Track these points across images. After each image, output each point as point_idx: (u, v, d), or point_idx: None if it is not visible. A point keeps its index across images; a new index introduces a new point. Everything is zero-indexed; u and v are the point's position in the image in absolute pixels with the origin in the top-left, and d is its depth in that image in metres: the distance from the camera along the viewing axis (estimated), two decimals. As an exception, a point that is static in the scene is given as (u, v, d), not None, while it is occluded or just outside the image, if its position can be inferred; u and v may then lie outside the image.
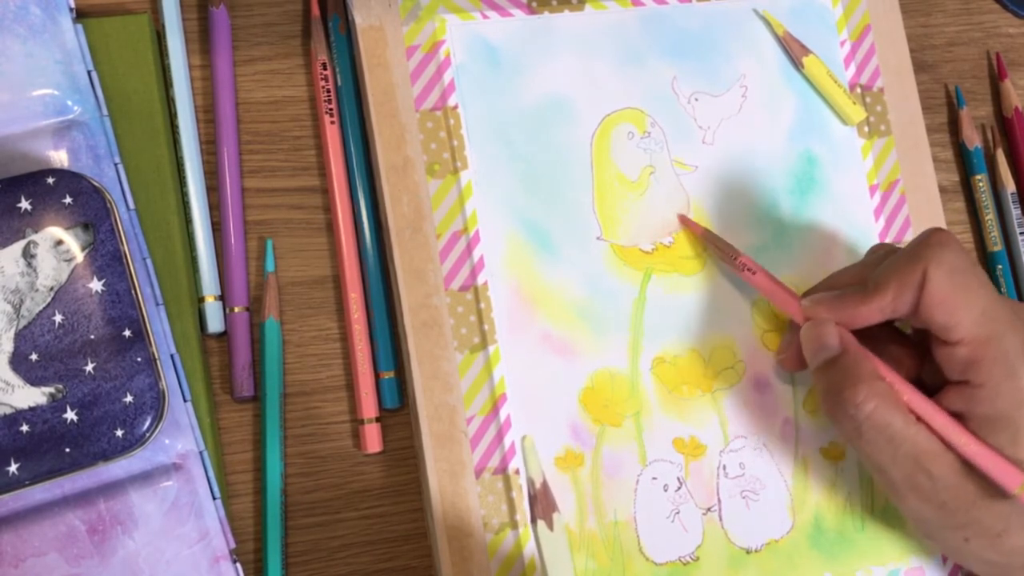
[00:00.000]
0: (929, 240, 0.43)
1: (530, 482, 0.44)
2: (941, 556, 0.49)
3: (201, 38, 0.49)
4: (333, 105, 0.48)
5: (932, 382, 0.44)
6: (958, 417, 0.42)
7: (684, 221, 0.49)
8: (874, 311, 0.43)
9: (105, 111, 0.44)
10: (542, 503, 0.44)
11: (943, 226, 0.53)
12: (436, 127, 0.47)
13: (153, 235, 0.44)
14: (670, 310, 0.48)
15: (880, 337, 0.45)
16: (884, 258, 0.45)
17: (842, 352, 0.43)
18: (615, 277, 0.48)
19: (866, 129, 0.52)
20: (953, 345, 0.42)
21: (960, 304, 0.41)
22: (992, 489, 0.41)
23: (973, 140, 0.56)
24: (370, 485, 0.47)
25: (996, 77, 0.58)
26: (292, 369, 0.47)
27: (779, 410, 0.49)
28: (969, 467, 0.41)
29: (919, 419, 0.42)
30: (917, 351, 0.46)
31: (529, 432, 0.45)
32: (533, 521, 0.44)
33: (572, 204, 0.48)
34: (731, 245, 0.48)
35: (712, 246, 0.48)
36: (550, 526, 0.44)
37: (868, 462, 0.43)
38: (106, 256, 0.40)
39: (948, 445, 0.41)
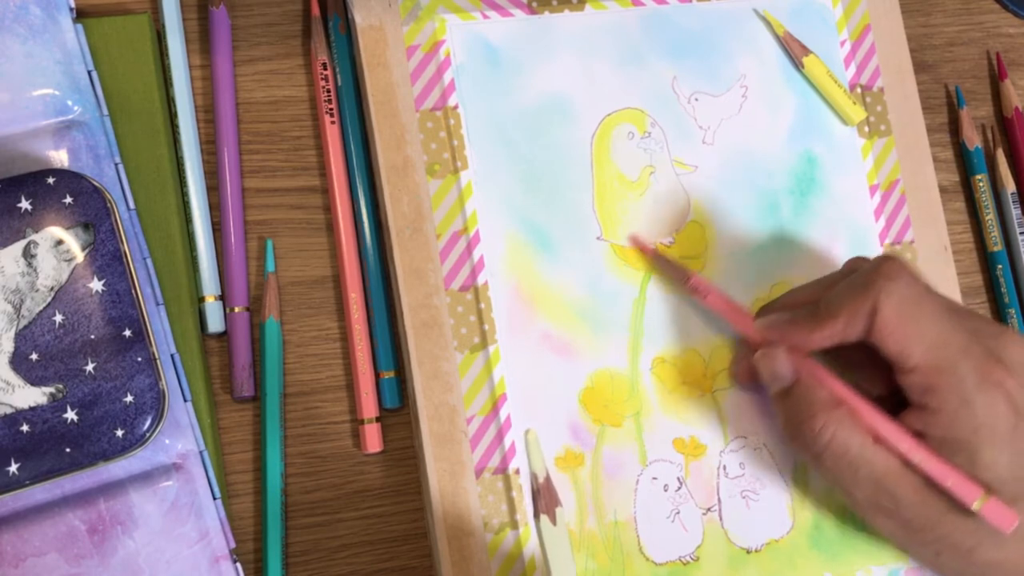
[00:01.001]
0: (880, 270, 0.42)
1: (533, 477, 0.44)
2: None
3: (201, 38, 0.49)
4: (333, 105, 0.48)
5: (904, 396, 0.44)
6: (919, 436, 0.42)
7: (635, 242, 0.48)
8: (825, 337, 0.43)
9: (105, 111, 0.44)
10: (545, 498, 0.44)
11: (943, 226, 0.53)
12: (436, 127, 0.47)
13: (153, 235, 0.44)
14: (670, 310, 0.48)
15: (852, 349, 0.45)
16: (844, 277, 0.45)
17: (796, 382, 0.44)
18: (615, 277, 0.48)
19: (866, 129, 0.52)
20: (908, 372, 0.42)
21: (911, 334, 0.42)
22: (957, 506, 0.41)
23: (973, 140, 0.56)
24: (370, 485, 0.47)
25: (996, 77, 0.58)
26: (292, 369, 0.47)
27: (779, 410, 0.49)
28: (932, 485, 0.41)
29: (879, 439, 0.42)
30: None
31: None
32: (536, 516, 0.44)
33: (572, 204, 0.48)
34: (682, 267, 0.48)
35: (661, 269, 0.48)
36: (553, 521, 0.44)
37: (832, 484, 0.44)
38: (106, 256, 0.40)
39: (909, 464, 0.42)
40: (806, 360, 0.44)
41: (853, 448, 0.42)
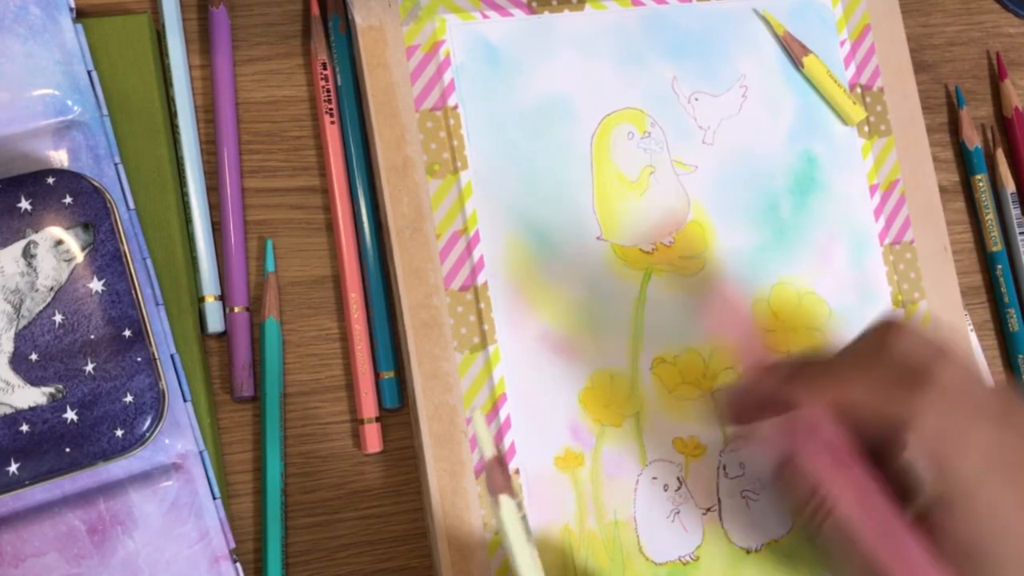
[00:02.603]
0: (924, 371, 0.35)
1: (481, 457, 0.40)
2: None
3: (201, 38, 0.49)
4: (333, 105, 0.48)
5: None
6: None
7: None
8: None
9: (105, 111, 0.44)
10: (498, 478, 0.39)
11: (943, 226, 0.52)
12: (436, 127, 0.47)
13: (153, 235, 0.44)
14: (670, 310, 0.48)
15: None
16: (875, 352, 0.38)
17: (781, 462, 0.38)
18: (615, 277, 0.48)
19: (866, 129, 0.52)
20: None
21: (952, 454, 0.35)
22: None
23: (973, 140, 0.56)
24: (370, 485, 0.47)
25: (996, 77, 0.58)
26: (292, 369, 0.47)
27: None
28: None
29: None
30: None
31: (528, 432, 0.45)
32: (493, 496, 0.39)
33: (572, 204, 0.48)
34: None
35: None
36: (498, 504, 0.39)
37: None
38: (106, 256, 0.40)
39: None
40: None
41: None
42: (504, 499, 0.38)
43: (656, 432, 0.47)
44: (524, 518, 0.38)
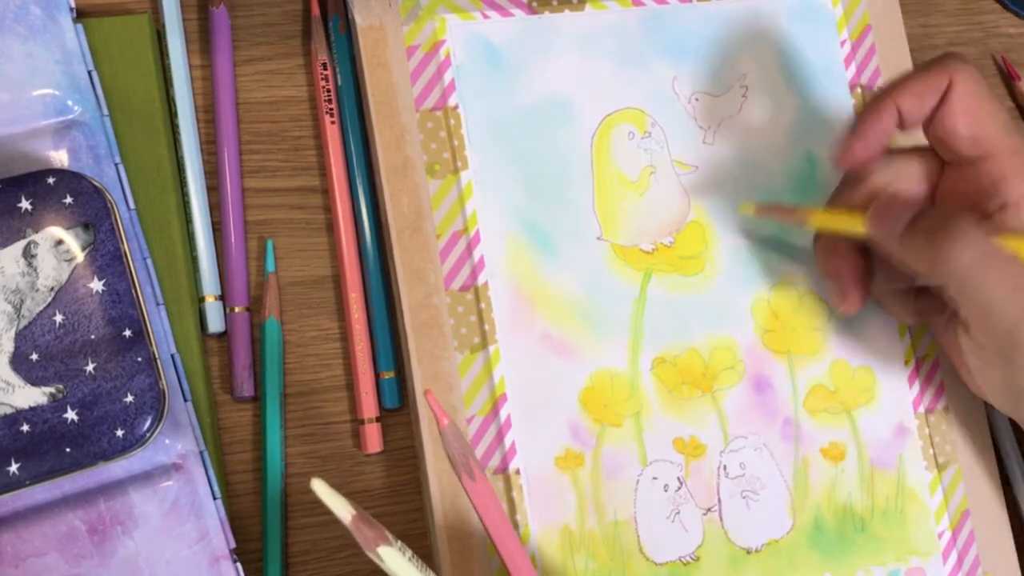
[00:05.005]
0: (951, 55, 0.42)
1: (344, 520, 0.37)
2: (941, 555, 0.49)
3: (201, 38, 0.49)
4: (333, 105, 0.48)
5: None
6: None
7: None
8: (891, 109, 0.42)
9: (105, 111, 0.44)
10: (364, 536, 0.37)
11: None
12: (436, 127, 0.47)
13: (153, 235, 0.44)
14: (670, 310, 0.48)
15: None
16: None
17: (918, 212, 0.41)
18: (615, 277, 0.48)
19: (866, 129, 0.52)
20: (977, 163, 0.41)
21: (986, 115, 0.41)
22: None
23: None
24: (370, 485, 0.47)
25: (1000, 77, 0.57)
26: (292, 369, 0.47)
27: (779, 410, 0.49)
28: None
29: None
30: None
31: (528, 432, 0.45)
32: (371, 552, 0.37)
33: (572, 204, 0.48)
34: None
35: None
36: (380, 558, 0.37)
37: (978, 308, 0.40)
38: (106, 256, 0.40)
39: None
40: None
41: (998, 251, 0.39)
42: (384, 550, 0.36)
43: (656, 432, 0.47)
44: (411, 557, 0.37)
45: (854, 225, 0.44)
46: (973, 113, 0.41)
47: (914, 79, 0.43)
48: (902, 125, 0.44)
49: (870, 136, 0.44)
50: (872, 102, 0.44)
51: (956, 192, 0.43)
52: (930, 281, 0.43)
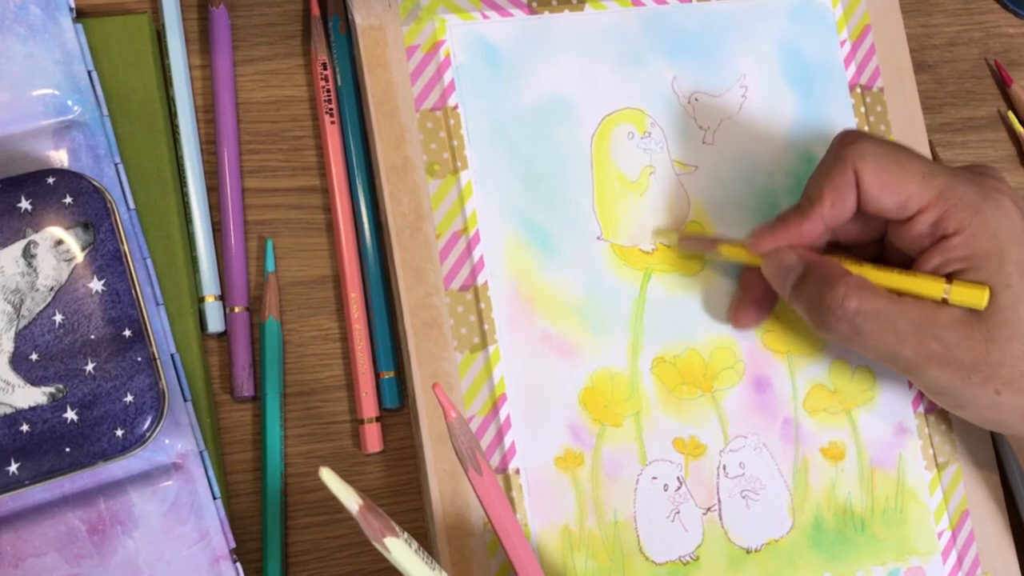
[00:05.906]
0: (843, 141, 0.44)
1: (351, 510, 0.37)
2: (941, 555, 0.49)
3: (201, 38, 0.49)
4: (333, 105, 0.48)
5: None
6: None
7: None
8: (816, 223, 0.44)
9: (105, 111, 0.44)
10: (371, 526, 0.37)
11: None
12: (436, 127, 0.47)
13: (153, 235, 0.44)
14: (670, 310, 0.48)
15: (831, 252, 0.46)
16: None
17: (806, 267, 0.44)
18: (615, 277, 0.48)
19: (866, 128, 0.52)
20: (914, 218, 0.43)
21: (902, 179, 0.43)
22: (999, 331, 0.42)
23: None
24: (370, 485, 0.47)
25: (998, 76, 0.57)
26: (292, 369, 0.47)
27: (779, 410, 0.49)
28: (968, 314, 0.42)
29: (900, 294, 0.43)
30: (868, 251, 0.47)
31: (528, 432, 0.45)
32: (378, 543, 0.37)
33: (572, 204, 0.48)
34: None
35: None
36: (387, 549, 0.37)
37: (876, 354, 0.44)
38: (106, 256, 0.40)
39: (936, 302, 0.42)
40: (807, 250, 0.45)
41: (883, 305, 0.42)
42: (391, 541, 0.37)
43: (656, 432, 0.47)
44: (418, 549, 0.37)
45: (735, 252, 0.47)
46: (891, 185, 0.43)
47: (825, 186, 0.44)
48: (829, 227, 0.45)
49: (782, 238, 0.45)
50: (796, 222, 0.45)
51: (907, 238, 0.44)
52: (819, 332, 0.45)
